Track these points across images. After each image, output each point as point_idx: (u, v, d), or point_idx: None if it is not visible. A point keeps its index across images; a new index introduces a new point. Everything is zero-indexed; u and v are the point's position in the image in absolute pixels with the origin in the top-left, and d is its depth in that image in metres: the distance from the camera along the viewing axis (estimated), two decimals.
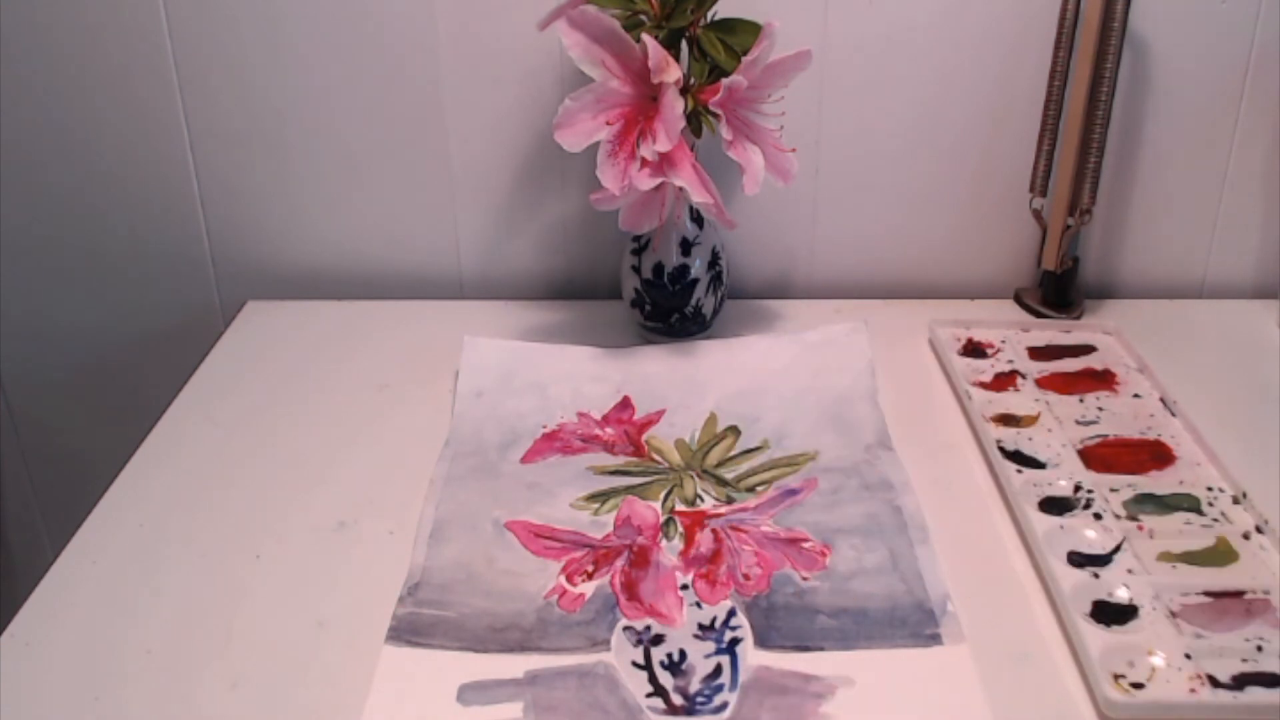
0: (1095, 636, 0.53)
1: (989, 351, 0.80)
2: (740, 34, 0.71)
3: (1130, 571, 0.58)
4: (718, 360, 0.78)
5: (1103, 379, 0.76)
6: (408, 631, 0.56)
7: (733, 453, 0.70)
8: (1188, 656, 0.52)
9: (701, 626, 0.56)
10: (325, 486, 0.67)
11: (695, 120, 0.70)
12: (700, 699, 0.52)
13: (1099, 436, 0.70)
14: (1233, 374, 0.78)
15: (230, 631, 0.56)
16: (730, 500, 0.65)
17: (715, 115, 0.69)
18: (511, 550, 0.62)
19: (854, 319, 0.80)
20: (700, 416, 0.73)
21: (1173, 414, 0.72)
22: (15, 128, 0.86)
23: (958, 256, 0.90)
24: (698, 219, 0.78)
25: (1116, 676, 0.51)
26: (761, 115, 0.72)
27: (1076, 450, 0.68)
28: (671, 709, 0.51)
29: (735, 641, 0.55)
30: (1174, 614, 0.55)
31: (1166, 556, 0.59)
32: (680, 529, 0.63)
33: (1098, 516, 0.62)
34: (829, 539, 0.62)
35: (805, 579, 0.59)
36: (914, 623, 0.56)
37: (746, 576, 0.59)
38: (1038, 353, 0.80)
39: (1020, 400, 0.73)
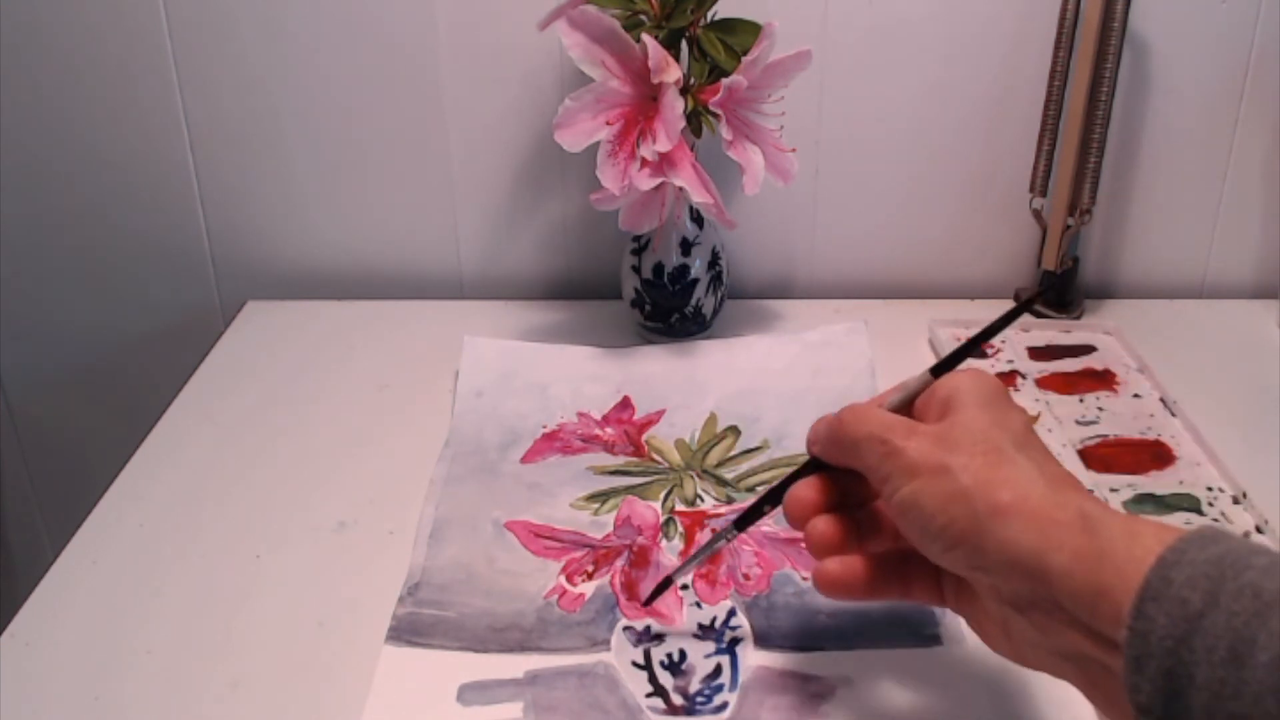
0: None
1: (989, 351, 0.80)
2: (740, 34, 0.71)
3: None
4: (718, 360, 0.78)
5: (1103, 379, 0.76)
6: (408, 631, 0.56)
7: (733, 453, 0.70)
8: None
9: (701, 626, 0.56)
10: (325, 487, 0.67)
11: (695, 120, 0.70)
12: (700, 699, 0.52)
13: (1099, 436, 0.70)
14: (1233, 374, 0.78)
15: (230, 631, 0.56)
16: (730, 500, 0.65)
17: (715, 115, 0.69)
18: (511, 550, 0.62)
19: (854, 319, 0.80)
20: (700, 416, 0.73)
21: (1173, 414, 0.72)
22: (15, 127, 0.86)
23: (958, 256, 0.90)
24: (698, 219, 0.78)
25: None
26: (761, 115, 0.72)
27: (1076, 450, 0.68)
28: (671, 709, 0.51)
29: (735, 641, 0.55)
30: None
31: None
32: (680, 529, 0.63)
33: None
34: None
35: (805, 579, 0.59)
36: (914, 623, 0.56)
37: (746, 576, 0.59)
38: (1038, 353, 0.80)
39: (1020, 400, 0.73)
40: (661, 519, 0.64)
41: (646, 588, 0.58)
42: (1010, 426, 0.42)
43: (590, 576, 0.59)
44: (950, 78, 0.84)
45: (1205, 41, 0.82)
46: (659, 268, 0.78)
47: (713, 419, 0.73)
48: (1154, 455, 0.68)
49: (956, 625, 0.55)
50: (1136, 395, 0.74)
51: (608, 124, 0.69)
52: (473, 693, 0.52)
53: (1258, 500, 0.63)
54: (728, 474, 0.68)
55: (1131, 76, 0.83)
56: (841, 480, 0.47)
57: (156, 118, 0.86)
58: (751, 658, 0.54)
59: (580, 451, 0.70)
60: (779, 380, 0.76)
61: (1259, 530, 0.61)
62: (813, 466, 0.48)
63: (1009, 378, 0.76)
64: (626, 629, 0.56)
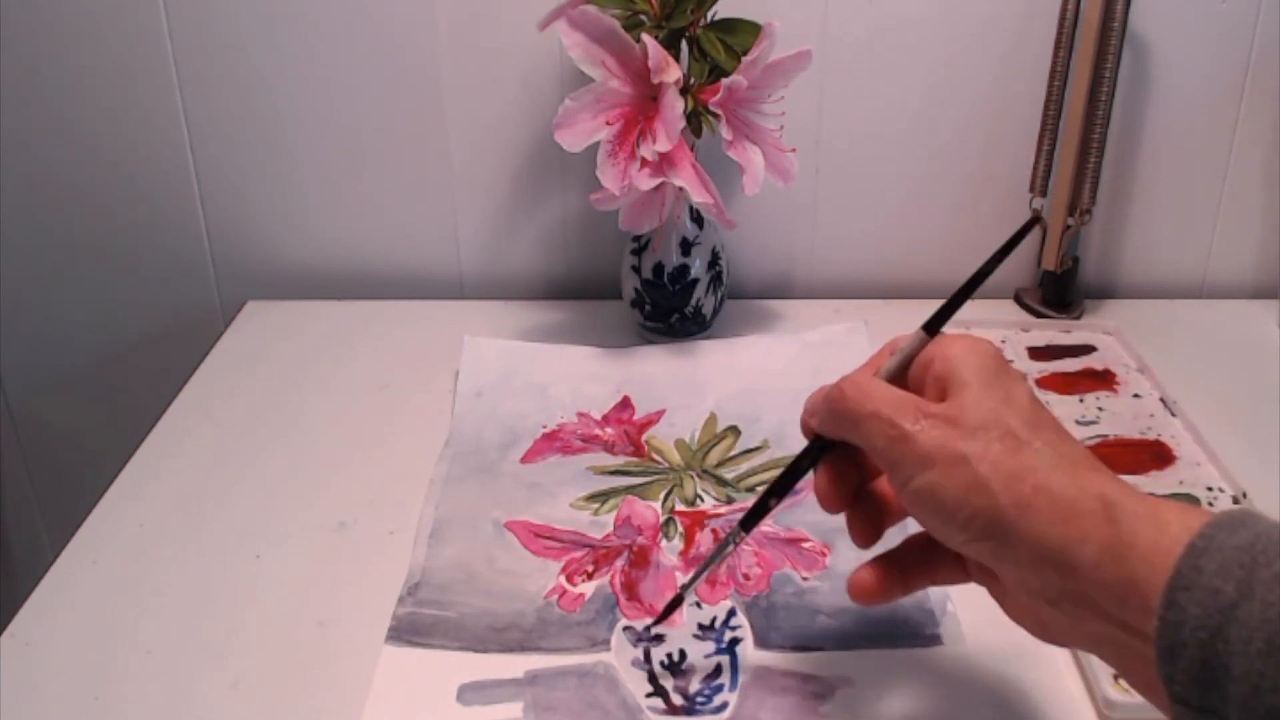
0: None
1: None
2: (740, 34, 0.71)
3: None
4: (718, 360, 0.78)
5: (1103, 379, 0.76)
6: (408, 631, 0.56)
7: (733, 453, 0.70)
8: None
9: (701, 626, 0.56)
10: (325, 486, 0.67)
11: (695, 120, 0.70)
12: (700, 699, 0.52)
13: (1099, 436, 0.70)
14: (1233, 374, 0.78)
15: (230, 631, 0.56)
16: (730, 500, 0.65)
17: (715, 115, 0.69)
18: (511, 550, 0.62)
19: (854, 319, 0.80)
20: (700, 416, 0.73)
21: (1173, 414, 0.72)
22: (15, 127, 0.86)
23: (958, 256, 0.89)
24: (698, 219, 0.78)
25: (1116, 677, 0.51)
26: (761, 115, 0.72)
27: None
28: (671, 709, 0.51)
29: (735, 641, 0.55)
30: None
31: None
32: (680, 529, 0.63)
33: None
34: (829, 539, 0.62)
35: (805, 579, 0.59)
36: (914, 623, 0.56)
37: (746, 576, 0.59)
38: (1038, 353, 0.80)
39: None
40: (661, 519, 0.64)
41: (647, 588, 0.58)
42: (1018, 404, 0.42)
43: (590, 576, 0.59)
44: (950, 78, 0.83)
45: (1205, 41, 0.82)
46: (659, 268, 0.78)
47: (713, 419, 0.73)
48: (1154, 455, 0.68)
49: (956, 625, 0.55)
50: (1136, 395, 0.74)
51: (608, 124, 0.69)
52: (473, 693, 0.52)
53: (1258, 500, 0.63)
54: (728, 474, 0.68)
55: (1131, 76, 0.83)
56: (850, 455, 0.47)
57: (156, 118, 0.86)
58: (751, 658, 0.54)
59: (580, 451, 0.70)
60: (779, 380, 0.76)
61: None
62: (815, 450, 0.48)
63: None
64: (626, 629, 0.56)
